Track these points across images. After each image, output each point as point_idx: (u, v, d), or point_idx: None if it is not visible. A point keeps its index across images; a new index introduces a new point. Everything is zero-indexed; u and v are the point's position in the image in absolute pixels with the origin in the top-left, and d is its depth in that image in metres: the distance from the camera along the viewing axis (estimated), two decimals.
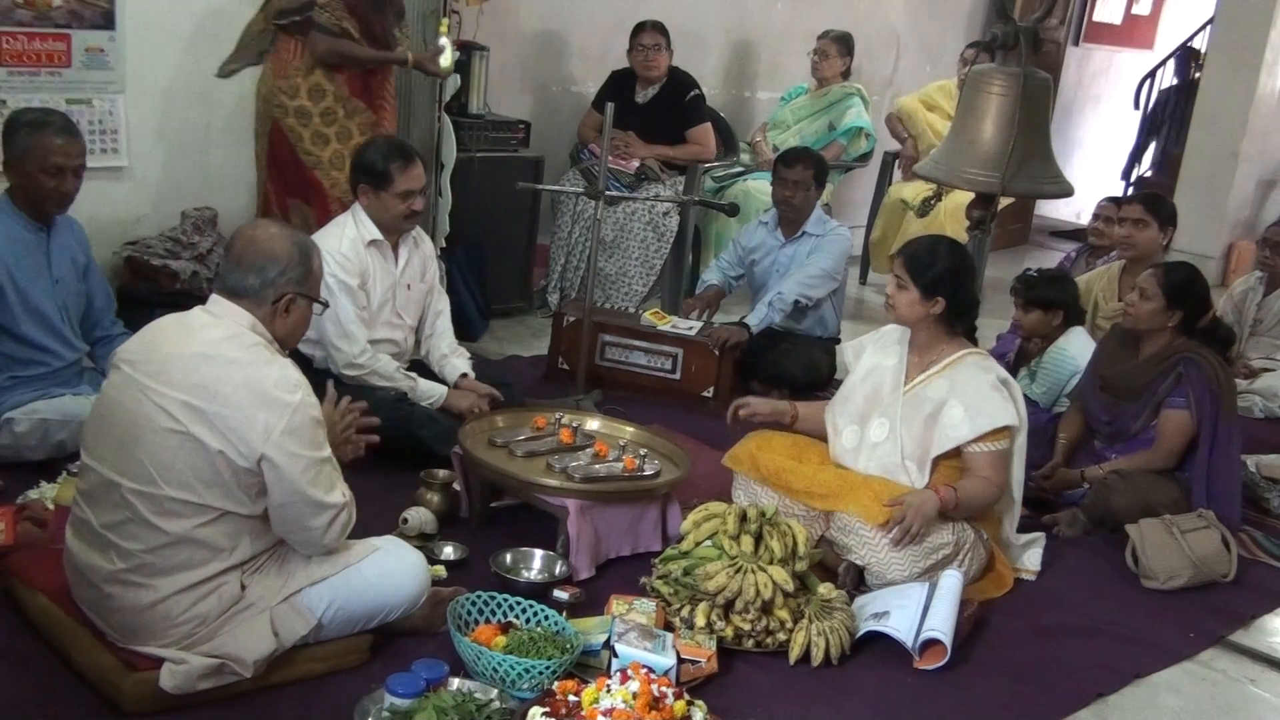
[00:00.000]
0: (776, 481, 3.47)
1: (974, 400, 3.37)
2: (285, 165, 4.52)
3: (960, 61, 6.91)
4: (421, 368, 4.20)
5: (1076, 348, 4.48)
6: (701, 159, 5.93)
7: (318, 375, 3.87)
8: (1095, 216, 5.46)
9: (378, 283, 3.95)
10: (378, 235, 3.91)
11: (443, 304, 4.27)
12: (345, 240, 3.86)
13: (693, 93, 5.85)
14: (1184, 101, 9.13)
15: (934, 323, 3.46)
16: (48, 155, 3.45)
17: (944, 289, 3.42)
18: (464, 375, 4.13)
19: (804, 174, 4.91)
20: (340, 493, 2.61)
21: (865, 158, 6.78)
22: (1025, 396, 4.54)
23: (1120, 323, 4.24)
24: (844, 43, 6.67)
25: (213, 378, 2.46)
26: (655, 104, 5.82)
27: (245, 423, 2.44)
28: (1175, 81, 9.63)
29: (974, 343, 3.56)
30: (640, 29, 5.78)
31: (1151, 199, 5.00)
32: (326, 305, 2.80)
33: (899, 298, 3.46)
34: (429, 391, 3.98)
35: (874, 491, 3.34)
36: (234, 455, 2.45)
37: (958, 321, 3.49)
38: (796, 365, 4.82)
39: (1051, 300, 4.51)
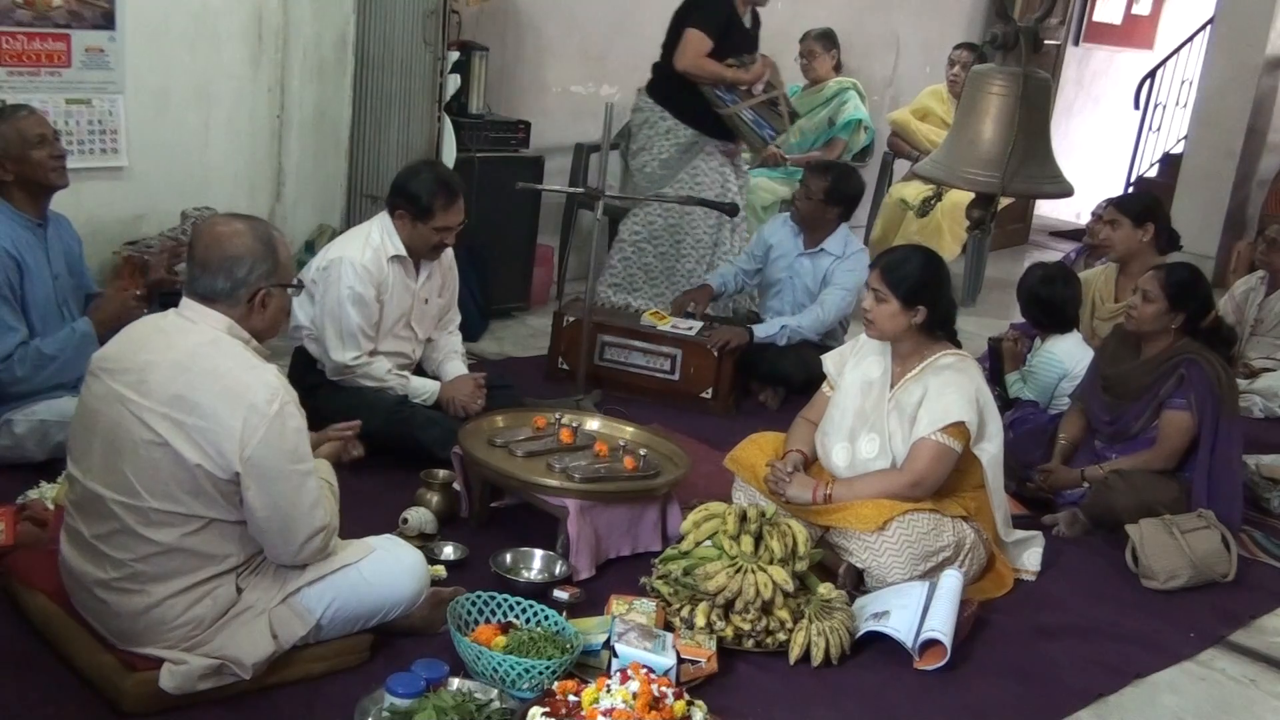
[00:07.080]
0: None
1: (935, 395, 3.37)
2: None
3: (948, 63, 6.90)
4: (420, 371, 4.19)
5: (1064, 351, 4.49)
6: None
7: (322, 374, 3.89)
8: (1093, 217, 5.48)
9: (395, 296, 3.89)
10: (402, 252, 3.86)
11: (458, 319, 4.23)
12: (369, 251, 3.80)
13: None
14: None
15: (916, 331, 3.45)
16: (27, 130, 3.44)
17: (925, 297, 3.41)
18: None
19: (817, 184, 4.88)
20: (324, 512, 2.58)
21: (865, 152, 6.78)
22: (1022, 397, 4.57)
23: (1122, 324, 4.24)
24: (827, 38, 6.66)
25: (190, 388, 2.42)
26: (756, 24, 5.38)
27: (223, 435, 2.41)
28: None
29: (957, 345, 3.55)
30: None
31: (1121, 197, 5.05)
32: (301, 287, 2.74)
33: (879, 311, 3.42)
34: (421, 388, 3.95)
35: (869, 503, 3.33)
36: (212, 468, 2.42)
37: (938, 328, 3.48)
38: (795, 365, 4.81)
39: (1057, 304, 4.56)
